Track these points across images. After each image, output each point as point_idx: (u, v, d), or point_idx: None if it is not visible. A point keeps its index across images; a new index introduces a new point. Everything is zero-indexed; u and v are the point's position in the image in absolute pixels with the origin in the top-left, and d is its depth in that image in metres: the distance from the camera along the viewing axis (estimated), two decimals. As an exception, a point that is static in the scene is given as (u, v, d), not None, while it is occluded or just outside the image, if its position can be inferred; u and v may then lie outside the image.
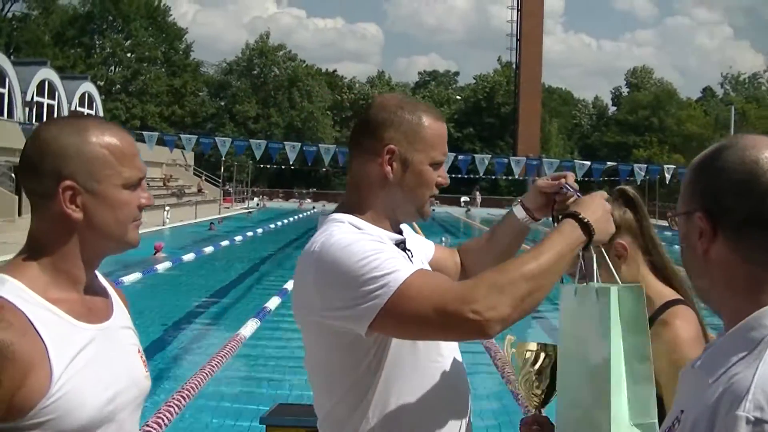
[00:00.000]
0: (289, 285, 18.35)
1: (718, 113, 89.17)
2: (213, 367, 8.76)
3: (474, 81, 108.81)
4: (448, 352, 2.85)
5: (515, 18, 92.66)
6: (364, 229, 2.72)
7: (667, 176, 37.45)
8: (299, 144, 36.92)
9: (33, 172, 2.26)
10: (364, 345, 2.63)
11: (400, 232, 2.90)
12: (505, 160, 39.49)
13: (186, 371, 10.36)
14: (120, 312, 2.49)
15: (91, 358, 2.24)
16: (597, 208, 2.67)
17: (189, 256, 23.97)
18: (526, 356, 2.90)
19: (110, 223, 2.31)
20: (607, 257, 2.78)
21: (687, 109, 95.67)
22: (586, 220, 2.60)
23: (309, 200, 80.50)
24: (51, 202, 2.25)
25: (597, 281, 2.74)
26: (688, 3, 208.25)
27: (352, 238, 2.62)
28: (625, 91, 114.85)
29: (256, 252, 30.29)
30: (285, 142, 38.01)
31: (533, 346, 2.91)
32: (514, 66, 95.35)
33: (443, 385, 2.79)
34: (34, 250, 2.29)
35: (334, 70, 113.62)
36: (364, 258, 2.51)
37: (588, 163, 38.90)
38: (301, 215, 55.44)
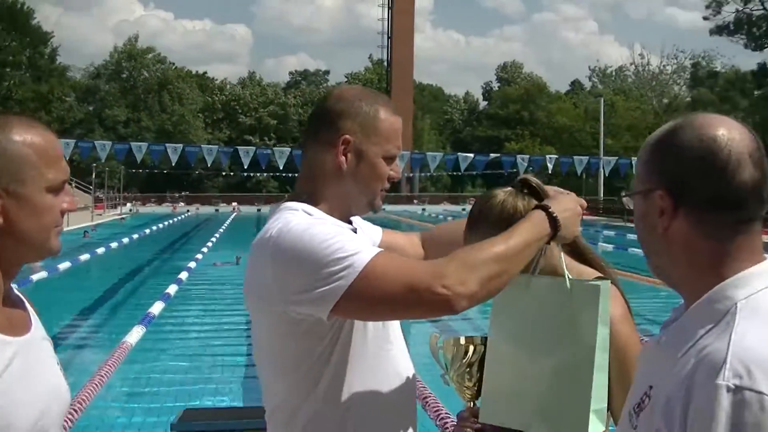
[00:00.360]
0: (172, 289, 18.12)
1: (587, 105, 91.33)
2: (102, 377, 8.29)
3: (346, 80, 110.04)
4: (395, 339, 2.90)
5: (386, 16, 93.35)
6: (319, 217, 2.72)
7: (550, 166, 37.93)
8: (182, 145, 36.28)
9: None
10: (320, 332, 2.64)
11: (351, 223, 2.91)
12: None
13: (72, 386, 9.76)
14: (36, 322, 2.36)
15: (18, 374, 2.12)
16: (569, 206, 2.67)
17: (65, 265, 23.17)
18: (456, 351, 2.88)
19: (33, 229, 2.18)
20: (562, 254, 2.76)
21: (557, 102, 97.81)
22: (555, 215, 2.60)
23: (182, 204, 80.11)
24: None
25: (535, 272, 2.72)
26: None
27: (310, 221, 2.62)
28: (495, 85, 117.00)
29: (133, 258, 29.86)
30: (167, 144, 37.30)
31: (462, 339, 2.89)
32: (385, 64, 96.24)
33: (392, 372, 2.85)
34: None
35: (204, 72, 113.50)
36: (325, 240, 2.50)
37: (471, 155, 39.19)
38: (175, 219, 55.40)
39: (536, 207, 2.64)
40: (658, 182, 1.85)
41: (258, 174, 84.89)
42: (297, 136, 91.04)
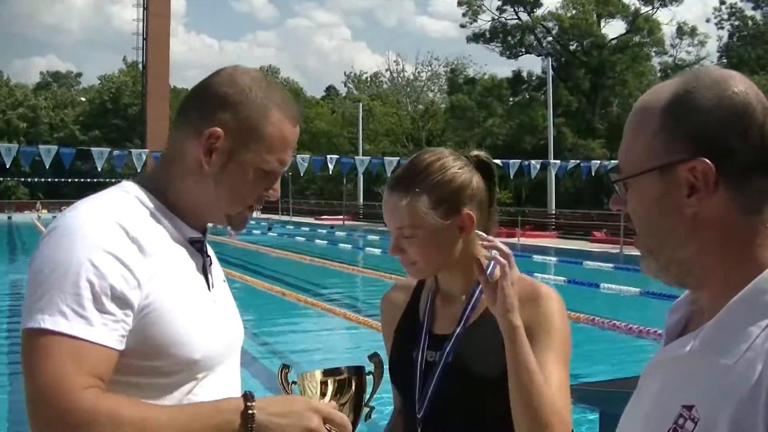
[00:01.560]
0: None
1: (344, 110, 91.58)
2: None
3: (99, 82, 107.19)
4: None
5: (141, 17, 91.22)
6: (141, 223, 2.23)
7: (330, 166, 37.86)
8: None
9: None
10: None
11: (204, 231, 2.45)
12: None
13: None
14: None
15: None
16: (293, 416, 2.13)
17: None
18: (314, 389, 2.39)
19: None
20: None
21: (315, 107, 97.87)
22: (252, 413, 2.08)
23: None
24: None
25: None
26: (309, 5, 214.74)
27: (93, 235, 2.13)
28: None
29: None
30: None
31: (319, 375, 2.41)
32: (141, 66, 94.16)
33: None
34: None
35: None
36: (75, 268, 2.07)
37: None
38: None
39: (246, 397, 2.12)
40: (691, 151, 1.56)
41: (8, 179, 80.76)
42: (49, 140, 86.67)
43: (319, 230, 49.77)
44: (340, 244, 39.73)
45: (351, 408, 2.40)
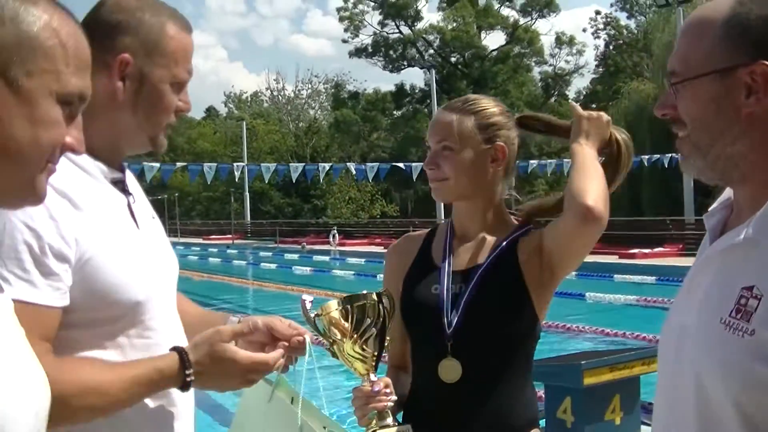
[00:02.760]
0: None
1: (227, 130, 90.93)
2: None
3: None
4: None
5: None
6: (67, 176, 2.14)
7: (209, 175, 36.85)
8: None
9: None
10: None
11: (123, 170, 2.44)
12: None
13: None
14: None
15: None
16: (224, 370, 2.28)
17: None
18: (344, 315, 2.55)
19: (23, 138, 1.50)
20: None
21: (197, 128, 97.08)
22: (188, 368, 2.22)
23: None
24: None
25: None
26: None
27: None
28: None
29: None
30: None
31: (337, 304, 2.56)
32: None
33: None
34: None
35: None
36: (10, 231, 2.03)
37: None
38: None
39: (174, 348, 2.25)
40: (750, 56, 1.70)
41: None
42: None
43: (210, 249, 49.20)
44: (234, 261, 39.83)
45: (377, 334, 2.57)
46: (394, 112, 75.60)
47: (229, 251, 47.26)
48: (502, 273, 2.85)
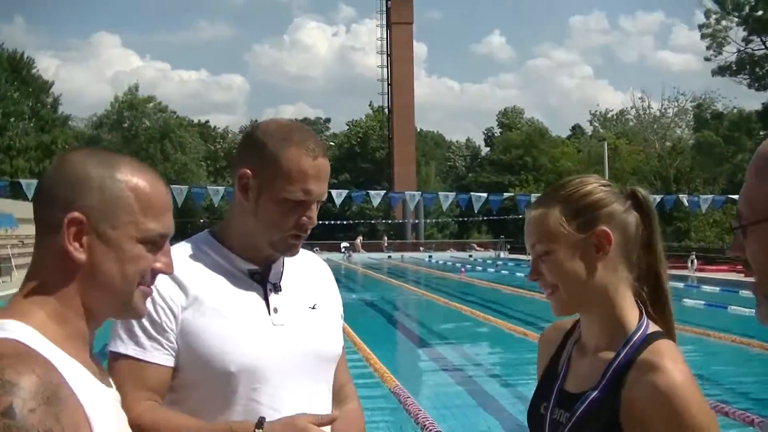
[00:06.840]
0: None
1: (590, 149, 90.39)
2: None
3: (347, 127, 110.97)
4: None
5: (386, 63, 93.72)
6: (185, 264, 2.77)
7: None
8: (186, 187, 36.35)
9: (46, 197, 1.95)
10: None
11: (267, 264, 2.87)
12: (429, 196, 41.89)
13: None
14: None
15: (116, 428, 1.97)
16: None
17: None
18: None
19: (114, 275, 1.95)
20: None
21: (560, 147, 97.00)
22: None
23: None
24: (56, 234, 1.91)
25: None
26: (547, 46, 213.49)
27: None
28: (497, 131, 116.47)
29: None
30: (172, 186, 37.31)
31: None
32: (386, 111, 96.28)
33: None
34: (34, 291, 1.93)
35: (206, 121, 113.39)
36: None
37: (484, 194, 39.67)
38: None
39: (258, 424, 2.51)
40: None
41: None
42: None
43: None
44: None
45: None
46: (761, 133, 71.85)
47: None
48: (604, 410, 2.33)
